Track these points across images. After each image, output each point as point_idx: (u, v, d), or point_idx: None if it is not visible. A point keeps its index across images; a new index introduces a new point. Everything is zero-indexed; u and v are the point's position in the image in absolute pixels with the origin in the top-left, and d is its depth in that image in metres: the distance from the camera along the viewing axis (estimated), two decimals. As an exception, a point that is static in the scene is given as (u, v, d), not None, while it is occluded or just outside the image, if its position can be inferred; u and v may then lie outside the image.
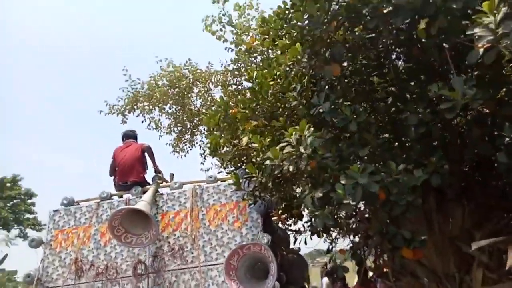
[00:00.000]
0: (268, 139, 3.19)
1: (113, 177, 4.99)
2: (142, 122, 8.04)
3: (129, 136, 5.13)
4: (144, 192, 4.43)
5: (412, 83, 2.65)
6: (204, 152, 7.91)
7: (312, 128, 2.70)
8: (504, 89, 2.57)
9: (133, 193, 4.52)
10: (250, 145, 3.42)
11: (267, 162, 2.81)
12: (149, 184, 4.68)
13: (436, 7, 2.19)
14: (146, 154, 4.89)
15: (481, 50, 1.85)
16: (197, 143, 8.09)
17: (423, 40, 2.46)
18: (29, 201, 31.82)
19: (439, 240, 3.03)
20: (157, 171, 4.85)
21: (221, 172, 4.74)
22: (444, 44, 2.44)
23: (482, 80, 2.51)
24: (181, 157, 8.09)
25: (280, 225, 4.70)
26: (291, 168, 2.67)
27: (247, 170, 3.22)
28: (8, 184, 30.32)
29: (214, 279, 3.78)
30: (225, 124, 3.55)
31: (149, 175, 4.87)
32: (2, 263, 26.84)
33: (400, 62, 3.07)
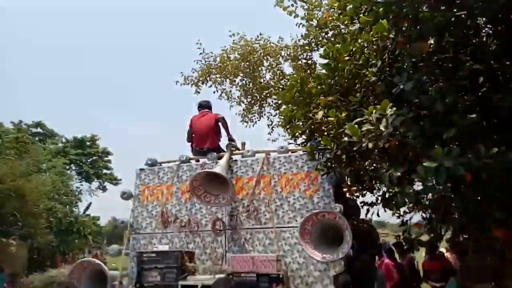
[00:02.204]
0: (344, 114, 3.30)
1: (190, 143, 5.46)
2: (214, 92, 8.45)
3: (204, 106, 5.51)
4: (219, 158, 4.82)
5: (508, 63, 2.59)
6: (272, 123, 8.20)
7: (394, 108, 2.77)
8: None
9: (209, 158, 4.93)
10: (324, 119, 3.57)
11: (345, 138, 2.91)
12: (223, 151, 5.06)
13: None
14: (220, 124, 5.25)
15: None
16: (265, 114, 8.38)
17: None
18: (106, 158, 35.20)
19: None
20: (230, 139, 5.20)
21: (291, 143, 4.96)
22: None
23: None
24: (249, 127, 8.47)
25: (349, 196, 4.89)
26: (370, 146, 2.76)
27: (322, 142, 3.38)
28: (88, 143, 33.57)
29: (286, 240, 4.14)
30: (301, 98, 3.71)
31: (223, 143, 5.26)
32: (87, 210, 30.51)
33: (491, 41, 2.98)
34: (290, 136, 4.89)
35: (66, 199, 25.44)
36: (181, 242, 4.55)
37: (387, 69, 3.27)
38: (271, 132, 8.43)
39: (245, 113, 8.38)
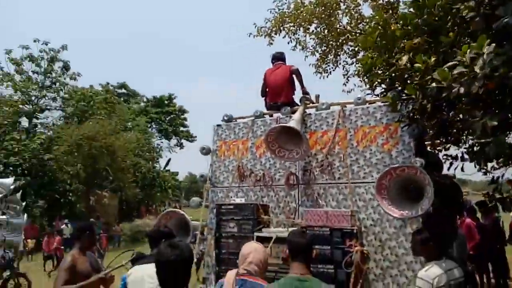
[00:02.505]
0: (433, 59, 2.91)
1: (264, 98, 5.43)
2: (288, 43, 8.16)
3: (278, 58, 5.35)
4: (293, 112, 4.72)
5: None
6: (347, 73, 7.76)
7: (493, 44, 2.36)
8: None
9: (283, 113, 4.85)
10: (409, 65, 3.22)
11: (433, 84, 2.63)
12: (297, 104, 4.93)
13: None
14: (294, 76, 5.08)
15: None
16: (340, 63, 7.93)
17: None
18: (182, 116, 37.55)
19: None
20: (304, 92, 5.03)
21: (369, 94, 4.62)
22: None
23: None
24: (323, 78, 8.13)
25: (431, 150, 4.48)
26: (461, 91, 2.45)
27: (405, 91, 3.08)
28: (166, 102, 35.99)
29: (361, 195, 3.98)
30: (383, 42, 3.36)
31: (297, 96, 5.13)
32: (167, 165, 33.44)
33: None
34: (368, 86, 4.55)
35: (148, 155, 28.12)
36: (256, 196, 4.68)
37: (487, 1, 2.77)
38: (346, 82, 8.02)
39: (319, 63, 8.00)
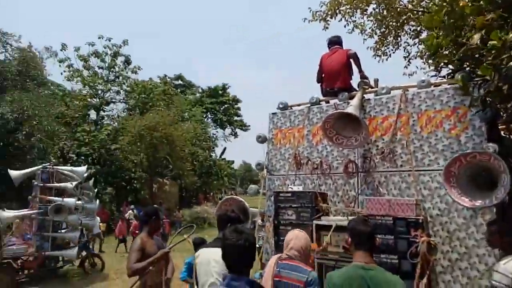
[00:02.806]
0: (511, 35, 2.65)
1: (320, 84, 5.31)
2: (344, 26, 7.87)
3: (335, 42, 5.18)
4: (350, 98, 4.58)
5: None
6: (409, 55, 7.30)
7: None
8: None
9: (340, 99, 4.73)
10: (481, 44, 2.95)
11: (511, 63, 2.39)
12: (355, 90, 4.77)
13: None
14: (351, 60, 4.91)
15: None
16: (401, 45, 7.49)
17: None
18: (236, 106, 38.19)
19: None
20: (363, 77, 4.83)
21: (434, 76, 4.31)
22: None
23: None
24: (382, 61, 7.74)
25: (506, 135, 4.11)
26: None
27: (477, 73, 2.84)
28: (220, 92, 36.80)
29: (426, 184, 3.78)
30: (451, 20, 3.11)
31: (355, 81, 4.95)
32: (223, 154, 34.42)
33: None
34: (433, 68, 4.25)
35: (205, 145, 29.00)
36: (313, 184, 4.64)
37: None
38: (408, 65, 7.54)
39: (377, 46, 7.62)
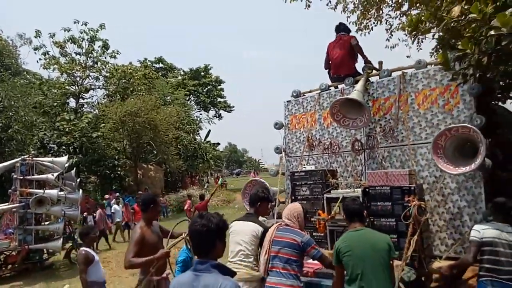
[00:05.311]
0: (491, 7, 2.63)
1: (327, 70, 5.76)
2: (327, 4, 7.91)
3: (341, 29, 5.58)
4: (356, 82, 5.01)
5: None
6: (391, 27, 7.34)
7: None
8: None
9: (346, 84, 5.17)
10: (462, 18, 3.05)
11: (491, 32, 2.45)
12: (360, 74, 5.18)
13: None
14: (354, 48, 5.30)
15: None
16: (383, 17, 7.55)
17: None
18: (219, 87, 36.80)
19: None
20: (366, 61, 5.23)
21: (417, 49, 4.55)
22: None
23: None
24: (365, 35, 7.82)
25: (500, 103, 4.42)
26: None
27: (459, 47, 3.03)
28: (202, 73, 35.52)
29: (423, 155, 4.22)
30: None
31: (359, 65, 5.35)
32: (207, 137, 33.77)
33: None
34: (414, 42, 4.44)
35: (189, 128, 28.10)
36: (326, 162, 5.17)
37: None
38: (390, 37, 7.56)
39: (360, 20, 7.69)
